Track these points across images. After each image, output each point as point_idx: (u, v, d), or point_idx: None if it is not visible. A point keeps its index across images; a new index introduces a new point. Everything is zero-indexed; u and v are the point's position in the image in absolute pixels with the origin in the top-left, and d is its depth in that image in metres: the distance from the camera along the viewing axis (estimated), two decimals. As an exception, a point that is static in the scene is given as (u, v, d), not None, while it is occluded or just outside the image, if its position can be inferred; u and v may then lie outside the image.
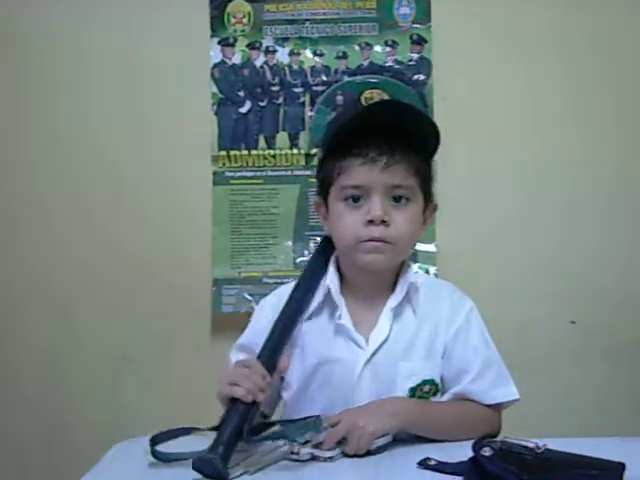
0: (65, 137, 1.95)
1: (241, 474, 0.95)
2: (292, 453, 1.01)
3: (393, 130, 1.14)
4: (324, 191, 1.22)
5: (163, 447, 1.02)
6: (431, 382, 1.17)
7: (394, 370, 1.17)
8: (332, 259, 1.24)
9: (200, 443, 0.97)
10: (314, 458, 1.01)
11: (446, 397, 1.18)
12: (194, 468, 0.94)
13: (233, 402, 1.01)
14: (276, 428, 1.07)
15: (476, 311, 1.24)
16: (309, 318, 1.21)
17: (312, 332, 1.21)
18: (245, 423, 0.99)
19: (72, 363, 1.93)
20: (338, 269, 1.24)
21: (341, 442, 1.03)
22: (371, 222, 1.13)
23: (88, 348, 1.93)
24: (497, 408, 1.18)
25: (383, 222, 1.13)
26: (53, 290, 1.95)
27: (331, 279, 1.21)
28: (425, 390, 1.17)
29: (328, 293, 1.20)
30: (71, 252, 1.94)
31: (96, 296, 1.94)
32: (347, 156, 1.16)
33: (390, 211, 1.15)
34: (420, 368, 1.17)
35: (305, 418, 1.06)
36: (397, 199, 1.16)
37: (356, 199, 1.16)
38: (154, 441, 1.02)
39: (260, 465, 0.97)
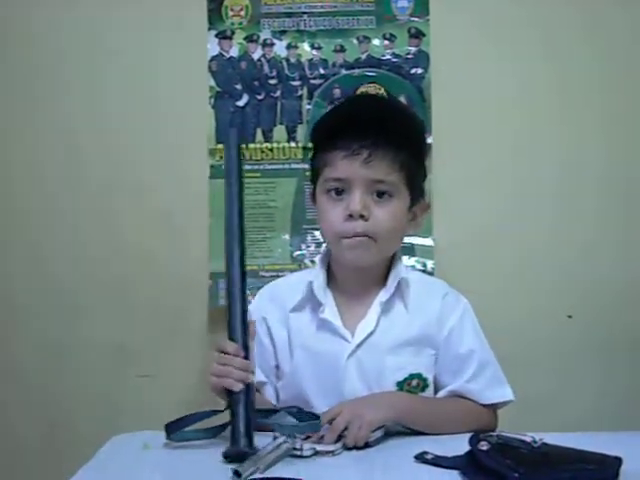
0: (63, 133, 1.94)
1: (252, 472, 0.95)
2: (295, 449, 1.01)
3: (380, 124, 1.14)
4: (314, 184, 1.23)
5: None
6: (418, 376, 1.18)
7: (381, 363, 1.17)
8: (322, 252, 1.25)
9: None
10: (317, 453, 1.01)
11: (441, 394, 1.19)
12: (226, 457, 0.98)
13: (231, 393, 1.02)
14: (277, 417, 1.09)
15: (470, 310, 1.24)
16: (295, 310, 1.22)
17: (298, 324, 1.21)
18: (249, 403, 1.02)
19: (70, 357, 1.92)
20: (329, 264, 1.24)
21: (341, 435, 1.04)
22: (350, 216, 1.14)
23: (85, 342, 1.93)
24: (492, 408, 1.19)
25: (362, 216, 1.13)
26: (52, 283, 1.94)
27: (315, 274, 1.21)
28: (413, 385, 1.18)
29: (312, 288, 1.20)
30: (69, 245, 1.94)
31: (93, 290, 1.93)
32: (332, 149, 1.16)
33: (371, 206, 1.15)
34: (408, 362, 1.18)
35: (305, 413, 1.07)
36: (380, 194, 1.16)
37: (339, 192, 1.16)
38: (171, 427, 1.06)
39: (267, 462, 0.97)
